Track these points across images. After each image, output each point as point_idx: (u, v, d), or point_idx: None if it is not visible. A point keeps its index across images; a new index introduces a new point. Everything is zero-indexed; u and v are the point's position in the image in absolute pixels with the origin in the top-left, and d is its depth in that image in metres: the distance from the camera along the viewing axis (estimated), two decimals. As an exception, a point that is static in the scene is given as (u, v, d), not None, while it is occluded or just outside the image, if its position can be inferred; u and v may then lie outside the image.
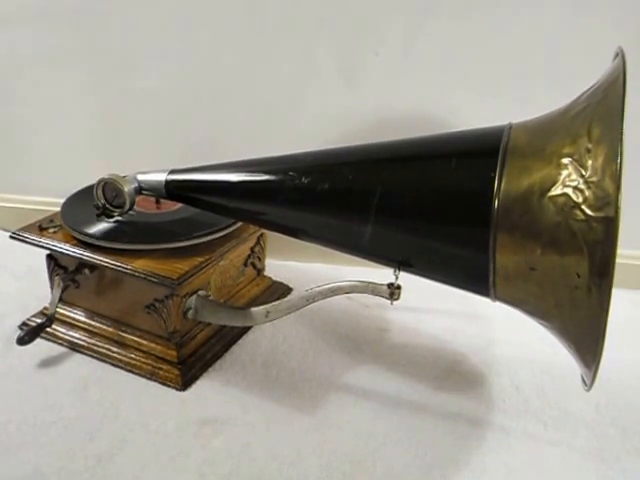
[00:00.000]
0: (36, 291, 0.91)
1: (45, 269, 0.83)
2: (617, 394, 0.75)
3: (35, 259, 0.86)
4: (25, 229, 0.80)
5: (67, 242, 0.78)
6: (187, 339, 0.79)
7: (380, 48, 0.93)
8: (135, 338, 0.79)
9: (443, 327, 0.89)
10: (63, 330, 0.83)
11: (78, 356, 0.80)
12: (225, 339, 0.83)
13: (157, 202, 0.84)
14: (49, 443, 0.66)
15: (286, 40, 0.95)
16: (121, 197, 0.76)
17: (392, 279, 0.65)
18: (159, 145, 1.07)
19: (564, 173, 0.52)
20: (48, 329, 0.81)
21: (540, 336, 0.65)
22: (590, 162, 0.51)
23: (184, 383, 0.75)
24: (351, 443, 0.67)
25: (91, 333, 0.82)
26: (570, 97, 0.59)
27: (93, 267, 0.78)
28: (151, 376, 0.76)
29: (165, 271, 0.72)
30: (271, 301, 0.73)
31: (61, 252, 0.77)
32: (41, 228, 0.80)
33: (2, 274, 1.01)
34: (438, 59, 0.92)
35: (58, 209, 0.83)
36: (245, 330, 0.86)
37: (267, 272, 0.96)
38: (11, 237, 0.80)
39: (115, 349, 0.79)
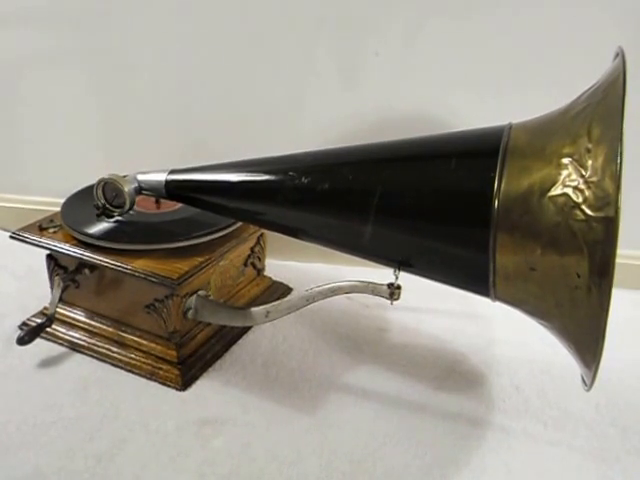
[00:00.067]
0: (36, 291, 0.91)
1: (45, 269, 0.83)
2: (617, 394, 0.75)
3: (35, 259, 0.86)
4: (25, 229, 0.80)
5: (67, 242, 0.78)
6: (187, 339, 0.79)
7: (380, 48, 0.93)
8: (135, 338, 0.79)
9: (443, 327, 0.89)
10: (63, 330, 0.83)
11: (78, 356, 0.80)
12: (225, 339, 0.83)
13: (157, 202, 0.84)
14: (49, 443, 0.66)
15: (286, 40, 0.95)
16: (121, 197, 0.76)
17: (392, 279, 0.65)
18: (159, 145, 1.07)
19: (564, 173, 0.52)
20: (48, 329, 0.81)
21: (540, 336, 0.65)
22: (590, 162, 0.51)
23: (184, 383, 0.75)
24: (351, 443, 0.67)
25: (91, 333, 0.82)
26: (570, 97, 0.59)
27: (93, 267, 0.78)
28: (151, 376, 0.76)
29: (165, 271, 0.72)
30: (271, 301, 0.73)
31: (61, 252, 0.78)
32: (41, 228, 0.80)
33: (2, 274, 1.01)
34: (438, 59, 0.92)
35: (58, 209, 0.83)
36: (245, 330, 0.86)
37: (267, 272, 0.96)
38: (11, 237, 0.80)
39: (115, 349, 0.79)
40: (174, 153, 1.04)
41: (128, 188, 0.75)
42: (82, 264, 0.78)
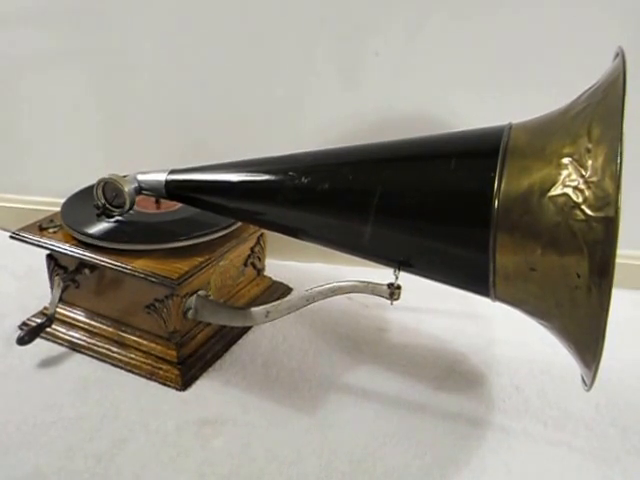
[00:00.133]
0: (36, 291, 0.91)
1: (45, 269, 0.83)
2: (617, 394, 0.75)
3: (35, 259, 0.86)
4: (25, 229, 0.80)
5: (67, 242, 0.78)
6: (187, 339, 0.79)
7: (380, 48, 0.93)
8: (135, 338, 0.79)
9: (443, 327, 0.89)
10: (63, 330, 0.83)
11: (78, 356, 0.80)
12: (225, 339, 0.83)
13: (157, 202, 0.84)
14: (49, 443, 0.66)
15: (286, 40, 0.95)
16: (121, 197, 0.76)
17: (392, 279, 0.65)
18: (159, 145, 1.07)
19: (564, 173, 0.52)
20: (48, 329, 0.81)
21: (540, 336, 0.65)
22: (590, 162, 0.51)
23: (184, 383, 0.75)
24: (351, 443, 0.67)
25: (91, 333, 0.82)
26: (570, 97, 0.59)
27: (93, 267, 0.78)
28: (151, 376, 0.76)
29: (165, 271, 0.72)
30: (271, 301, 0.73)
31: (61, 252, 0.77)
32: (41, 228, 0.80)
33: (2, 274, 1.01)
34: (438, 59, 0.92)
35: (58, 209, 0.83)
36: (245, 330, 0.86)
37: (267, 272, 0.96)
38: (11, 237, 0.80)
39: (115, 349, 0.79)
40: (174, 153, 1.04)
41: (128, 188, 0.75)
42: (82, 264, 0.78)
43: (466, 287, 0.64)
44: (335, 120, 0.99)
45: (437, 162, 0.62)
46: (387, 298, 0.66)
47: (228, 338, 0.83)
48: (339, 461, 0.65)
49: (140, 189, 0.77)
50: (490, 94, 0.92)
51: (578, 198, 0.50)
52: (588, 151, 0.51)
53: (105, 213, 0.78)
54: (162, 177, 0.75)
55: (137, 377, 0.76)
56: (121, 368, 0.78)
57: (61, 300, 0.80)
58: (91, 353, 0.80)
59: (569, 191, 0.51)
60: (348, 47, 0.95)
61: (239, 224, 0.83)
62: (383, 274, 0.67)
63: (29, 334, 0.77)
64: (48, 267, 0.83)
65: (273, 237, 0.82)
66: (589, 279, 0.50)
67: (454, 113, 0.94)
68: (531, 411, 0.73)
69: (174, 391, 0.74)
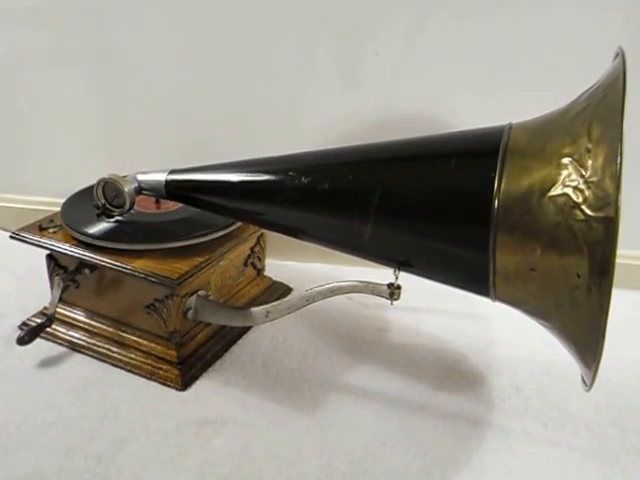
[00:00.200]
0: (36, 291, 0.91)
1: (45, 269, 0.83)
2: (617, 394, 0.75)
3: (35, 259, 0.86)
4: (25, 229, 0.80)
5: (67, 242, 0.78)
6: (187, 339, 0.79)
7: (380, 48, 0.93)
8: (135, 338, 0.79)
9: (443, 327, 0.89)
10: (63, 330, 0.83)
11: (78, 356, 0.80)
12: (225, 339, 0.83)
13: (157, 202, 0.84)
14: (49, 443, 0.66)
15: (286, 40, 0.95)
16: (121, 197, 0.76)
17: (392, 279, 0.65)
18: (159, 145, 1.07)
19: (564, 173, 0.52)
20: (48, 329, 0.81)
21: (540, 336, 0.65)
22: (590, 162, 0.51)
23: (184, 383, 0.75)
24: (351, 443, 0.67)
25: (91, 333, 0.82)
26: (570, 97, 0.59)
27: (93, 267, 0.78)
28: (151, 376, 0.76)
29: (165, 271, 0.72)
30: (271, 301, 0.73)
31: (61, 252, 0.77)
32: (41, 228, 0.80)
33: (2, 274, 1.01)
34: (438, 59, 0.92)
35: (58, 209, 0.83)
36: (245, 330, 0.86)
37: (267, 272, 0.96)
38: (11, 237, 0.80)
39: (115, 349, 0.79)
40: (174, 153, 1.04)
41: (128, 188, 0.75)
42: (82, 264, 0.78)
43: (466, 287, 0.64)
44: (335, 120, 0.99)
45: (437, 162, 0.62)
46: (387, 298, 0.66)
47: (228, 338, 0.83)
48: (339, 461, 0.65)
49: (140, 189, 0.77)
50: (490, 94, 0.92)
51: (578, 198, 0.50)
52: (588, 151, 0.51)
53: (105, 213, 0.78)
54: (162, 177, 0.75)
55: (137, 377, 0.76)
56: (121, 368, 0.78)
57: (61, 300, 0.80)
58: (91, 353, 0.80)
59: (569, 191, 0.51)
60: (348, 47, 0.95)
61: (239, 224, 0.83)
62: (383, 274, 0.67)
63: (29, 334, 0.77)
64: (48, 267, 0.83)
65: (273, 237, 0.82)
66: (589, 279, 0.50)
67: (454, 113, 0.94)
68: (531, 411, 0.73)
69: (174, 391, 0.74)
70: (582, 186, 0.51)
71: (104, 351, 0.80)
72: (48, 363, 0.79)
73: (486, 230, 0.55)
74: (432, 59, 0.93)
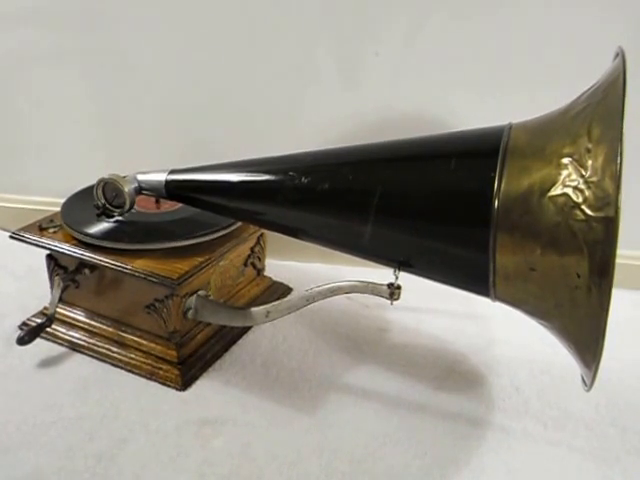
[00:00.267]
0: (36, 291, 0.91)
1: (45, 269, 0.83)
2: (617, 394, 0.75)
3: (35, 259, 0.86)
4: (25, 229, 0.80)
5: (67, 242, 0.78)
6: (187, 339, 0.79)
7: (380, 48, 0.93)
8: (135, 338, 0.79)
9: (443, 327, 0.89)
10: (63, 330, 0.83)
11: (78, 356, 0.80)
12: (225, 339, 0.83)
13: (157, 202, 0.84)
14: (49, 443, 0.66)
15: (286, 40, 0.95)
16: (121, 197, 0.76)
17: (392, 279, 0.65)
18: (159, 145, 1.07)
19: (564, 173, 0.52)
20: (48, 329, 0.81)
21: (540, 336, 0.65)
22: (590, 162, 0.51)
23: (184, 383, 0.75)
24: (351, 443, 0.67)
25: (91, 333, 0.82)
26: (570, 97, 0.59)
27: (93, 267, 0.78)
28: (151, 376, 0.76)
29: (165, 271, 0.72)
30: (271, 301, 0.73)
31: (61, 252, 0.77)
32: (41, 228, 0.80)
33: (2, 274, 1.01)
34: (438, 59, 0.92)
35: (58, 209, 0.83)
36: (245, 330, 0.86)
37: (267, 272, 0.96)
38: (11, 237, 0.80)
39: (115, 349, 0.79)
40: (174, 153, 1.04)
41: (128, 188, 0.75)
42: (82, 264, 0.78)
43: (466, 287, 0.64)
44: (335, 120, 0.99)
45: (437, 162, 0.62)
46: (387, 298, 0.66)
47: (228, 338, 0.83)
48: (339, 461, 0.65)
49: (140, 189, 0.77)
50: (490, 94, 0.92)
51: (578, 198, 0.50)
52: (588, 151, 0.51)
53: (105, 213, 0.78)
54: (162, 177, 0.75)
55: (137, 377, 0.76)
56: (121, 368, 0.78)
57: (61, 300, 0.80)
58: (91, 353, 0.80)
59: (569, 191, 0.51)
60: (348, 47, 0.95)
61: (239, 224, 0.83)
62: (383, 274, 0.67)
63: (29, 334, 0.77)
64: (48, 267, 0.83)
65: (273, 237, 0.82)
66: (589, 279, 0.50)
67: (454, 113, 0.94)
68: (531, 411, 0.73)
69: (174, 391, 0.74)
70: (582, 186, 0.51)
71: (104, 351, 0.80)
72: (48, 363, 0.79)
73: (486, 230, 0.55)
74: (432, 59, 0.93)
